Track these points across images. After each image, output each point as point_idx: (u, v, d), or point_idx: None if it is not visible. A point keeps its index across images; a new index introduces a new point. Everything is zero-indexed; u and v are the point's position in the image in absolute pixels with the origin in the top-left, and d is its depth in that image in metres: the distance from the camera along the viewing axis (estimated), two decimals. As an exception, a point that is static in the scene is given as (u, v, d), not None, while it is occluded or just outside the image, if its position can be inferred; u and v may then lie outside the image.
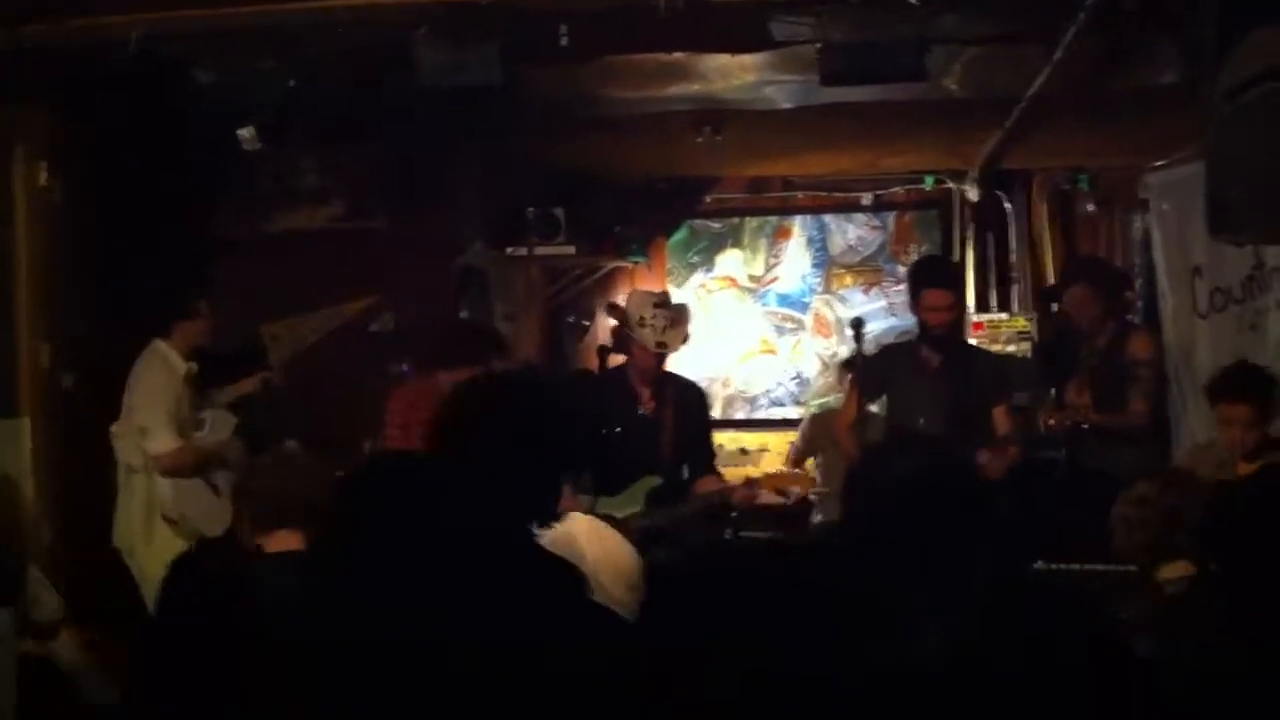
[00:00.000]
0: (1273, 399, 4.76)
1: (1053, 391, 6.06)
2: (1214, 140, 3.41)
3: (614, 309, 5.64)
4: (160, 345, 5.16)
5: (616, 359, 5.67)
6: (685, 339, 5.44)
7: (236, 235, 6.36)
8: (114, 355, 5.20)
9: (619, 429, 5.33)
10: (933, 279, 5.51)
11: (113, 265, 5.42)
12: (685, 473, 5.42)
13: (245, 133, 5.21)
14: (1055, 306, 7.93)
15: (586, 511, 5.17)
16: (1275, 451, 4.67)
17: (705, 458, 5.59)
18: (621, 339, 5.50)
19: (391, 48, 4.55)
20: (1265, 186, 3.26)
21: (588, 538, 2.80)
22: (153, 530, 4.94)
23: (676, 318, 5.37)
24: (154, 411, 4.95)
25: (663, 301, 5.44)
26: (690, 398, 5.61)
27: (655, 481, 5.29)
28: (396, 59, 4.53)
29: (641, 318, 5.29)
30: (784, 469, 6.63)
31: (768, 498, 6.00)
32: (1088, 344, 6.05)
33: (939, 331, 5.42)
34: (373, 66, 4.87)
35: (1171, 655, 2.61)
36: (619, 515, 5.24)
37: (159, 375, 5.10)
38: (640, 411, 5.41)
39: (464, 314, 6.97)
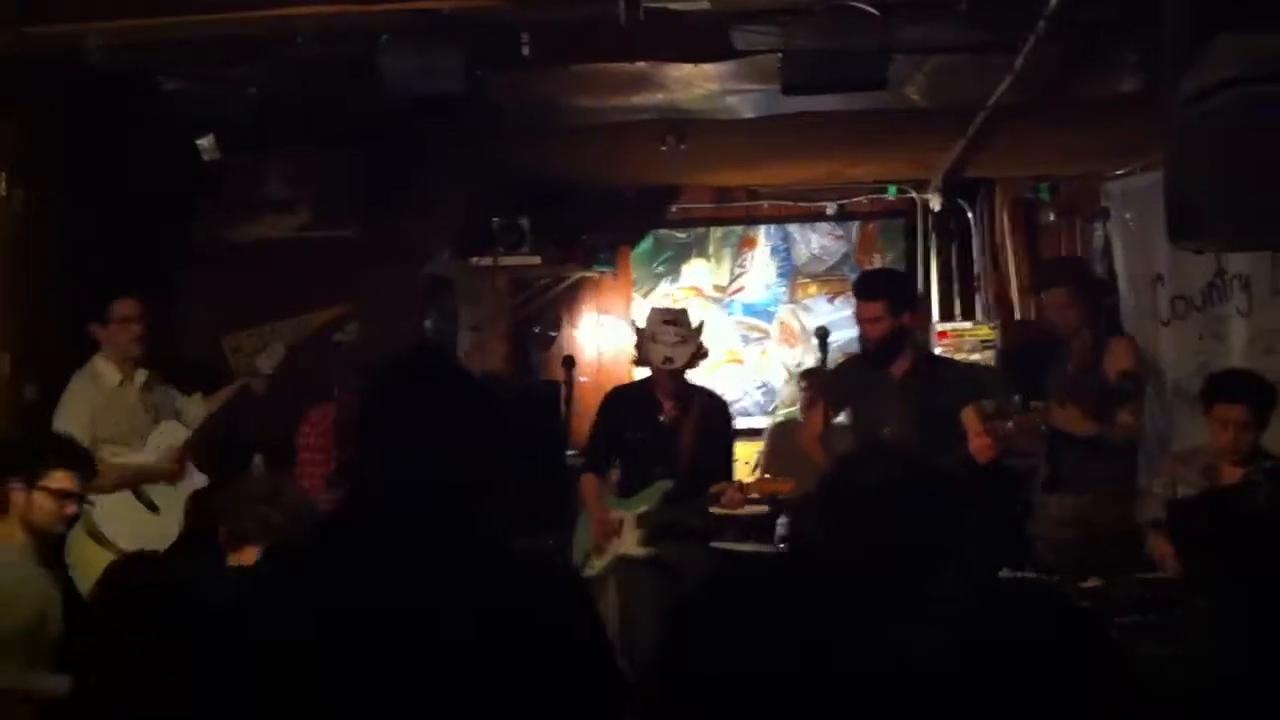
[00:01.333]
0: (1267, 404, 4.76)
1: (1017, 398, 6.08)
2: (1175, 147, 3.43)
3: (633, 324, 5.94)
4: (96, 359, 5.12)
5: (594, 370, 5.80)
6: (698, 354, 5.65)
7: (202, 245, 6.32)
8: (77, 366, 5.14)
9: (640, 435, 5.61)
10: (859, 291, 5.57)
11: (73, 275, 5.37)
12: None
13: (205, 142, 5.18)
14: (1035, 313, 8.00)
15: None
16: (1264, 459, 4.69)
17: (723, 466, 5.80)
18: (640, 353, 5.71)
19: (356, 56, 4.54)
20: (1226, 194, 3.27)
21: None
22: (84, 546, 4.89)
23: (687, 335, 5.59)
24: (67, 428, 4.91)
25: (674, 319, 5.64)
26: (712, 410, 5.81)
27: (668, 485, 5.53)
28: (361, 68, 4.52)
29: (653, 334, 5.55)
30: (770, 475, 6.64)
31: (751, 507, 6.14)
32: (1073, 356, 6.02)
33: (868, 344, 5.46)
34: (338, 75, 4.85)
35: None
36: (632, 511, 5.52)
37: (80, 390, 5.04)
38: (661, 419, 5.63)
39: (429, 325, 6.96)
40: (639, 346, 5.69)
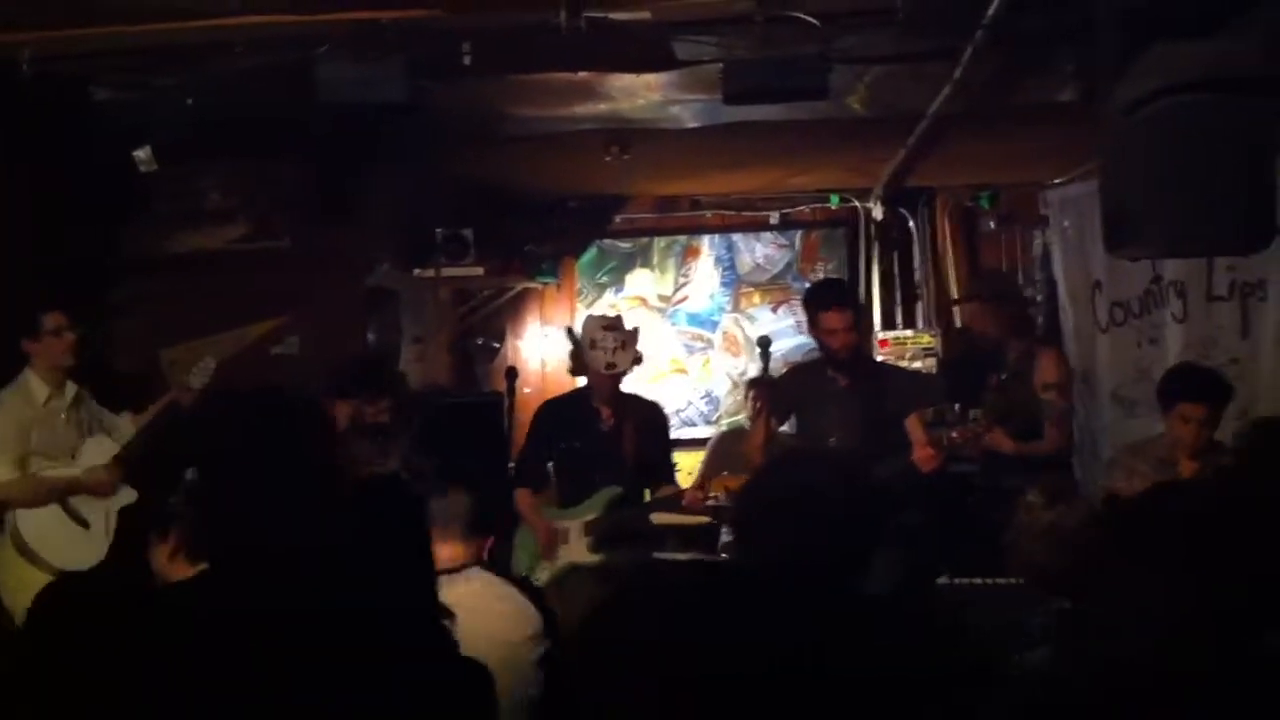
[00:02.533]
0: (1226, 401, 4.87)
1: (957, 407, 6.12)
2: (1110, 156, 3.47)
3: (570, 333, 5.90)
4: (27, 372, 5.05)
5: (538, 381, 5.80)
6: (636, 360, 5.66)
7: (139, 257, 6.23)
8: (7, 381, 5.05)
9: (579, 445, 5.60)
10: (828, 301, 5.55)
11: (4, 288, 5.28)
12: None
13: (141, 154, 5.10)
14: (959, 323, 8.07)
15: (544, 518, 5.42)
16: (1219, 454, 4.78)
17: (665, 472, 5.84)
18: (578, 361, 5.69)
19: (295, 66, 4.50)
20: (1160, 201, 3.32)
21: (469, 605, 2.73)
22: (12, 562, 4.81)
23: (627, 340, 5.60)
24: None
25: (612, 325, 5.65)
26: (650, 415, 5.84)
27: (616, 491, 5.53)
28: (300, 78, 4.48)
29: (592, 340, 5.54)
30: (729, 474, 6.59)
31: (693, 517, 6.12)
32: (1003, 367, 6.08)
33: (841, 353, 5.46)
34: (276, 85, 4.81)
35: (1065, 669, 2.64)
36: (579, 520, 5.50)
37: (9, 405, 4.97)
38: (601, 428, 5.62)
39: (371, 337, 6.91)
40: (576, 355, 5.68)
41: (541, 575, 5.42)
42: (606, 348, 5.52)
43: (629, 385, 5.82)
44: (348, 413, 5.39)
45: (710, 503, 5.76)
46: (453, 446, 5.85)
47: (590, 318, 5.92)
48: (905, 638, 2.45)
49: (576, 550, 5.47)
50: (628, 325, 5.74)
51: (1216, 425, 4.83)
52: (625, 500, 5.53)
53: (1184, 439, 4.80)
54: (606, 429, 5.63)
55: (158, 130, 5.01)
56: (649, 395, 6.18)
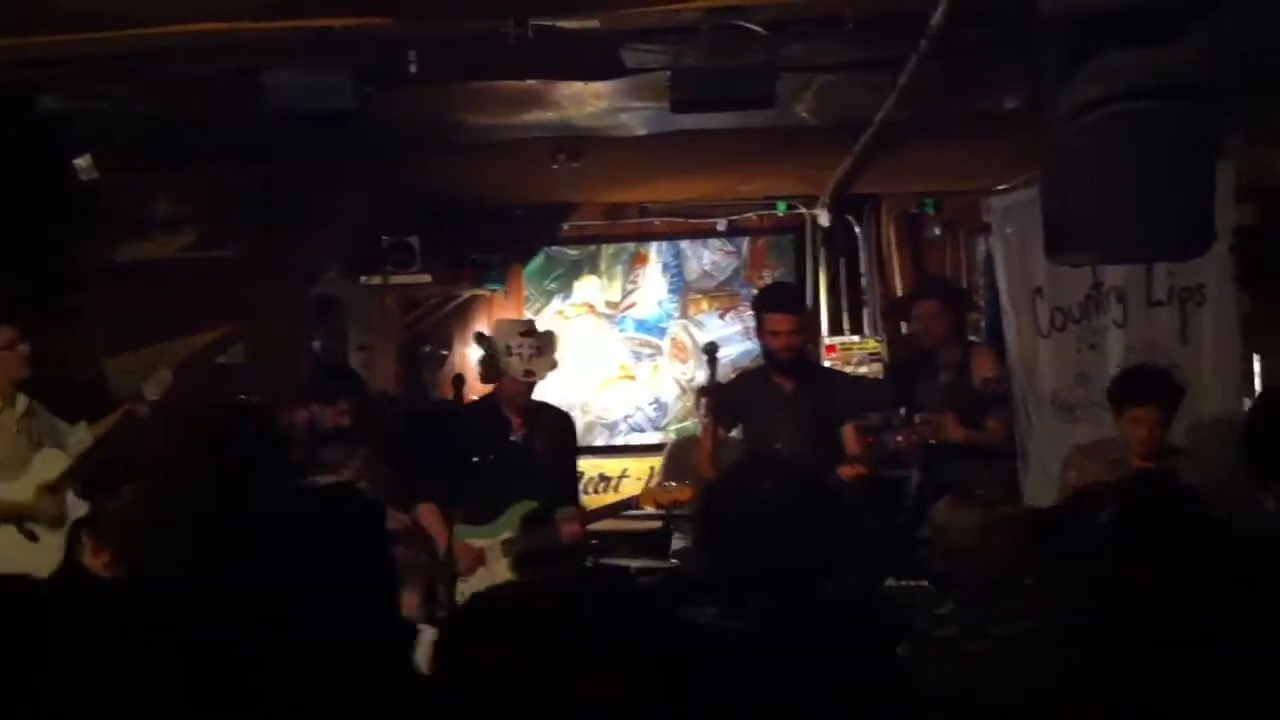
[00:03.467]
0: (1177, 402, 4.93)
1: (903, 411, 6.18)
2: (1051, 164, 3.53)
3: (481, 338, 5.70)
4: None
5: (484, 388, 5.71)
6: (553, 366, 5.53)
7: (87, 267, 6.16)
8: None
9: (492, 456, 5.42)
10: (774, 304, 5.61)
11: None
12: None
13: (82, 162, 5.03)
14: (905, 326, 8.14)
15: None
16: (1172, 455, 4.85)
17: (572, 485, 5.77)
18: (490, 368, 5.53)
19: (244, 74, 4.47)
20: (1100, 207, 3.38)
21: None
22: None
23: (543, 345, 5.47)
24: None
25: (529, 330, 5.51)
26: (560, 425, 5.71)
27: (530, 506, 5.36)
28: (249, 85, 4.45)
29: (508, 346, 5.38)
30: (663, 483, 6.54)
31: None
32: (943, 364, 6.17)
33: (784, 355, 5.50)
34: (225, 93, 4.78)
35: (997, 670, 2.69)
36: (495, 539, 5.32)
37: None
38: (512, 438, 5.48)
39: (318, 345, 6.87)
40: (489, 361, 5.51)
41: (460, 598, 5.26)
42: (523, 354, 5.37)
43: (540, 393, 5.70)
44: (307, 418, 5.35)
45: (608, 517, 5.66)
46: (410, 456, 5.79)
47: (504, 322, 5.75)
48: (855, 639, 2.49)
49: (497, 571, 5.29)
50: (543, 330, 5.65)
51: (1168, 426, 4.90)
52: (540, 514, 5.35)
53: (1136, 441, 4.87)
54: (517, 439, 5.48)
55: (106, 139, 4.95)
56: (555, 404, 6.02)
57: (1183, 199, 3.38)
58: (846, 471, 5.33)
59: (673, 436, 8.31)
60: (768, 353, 5.59)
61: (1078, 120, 3.27)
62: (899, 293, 8.26)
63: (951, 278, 8.01)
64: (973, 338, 6.91)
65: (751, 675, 2.12)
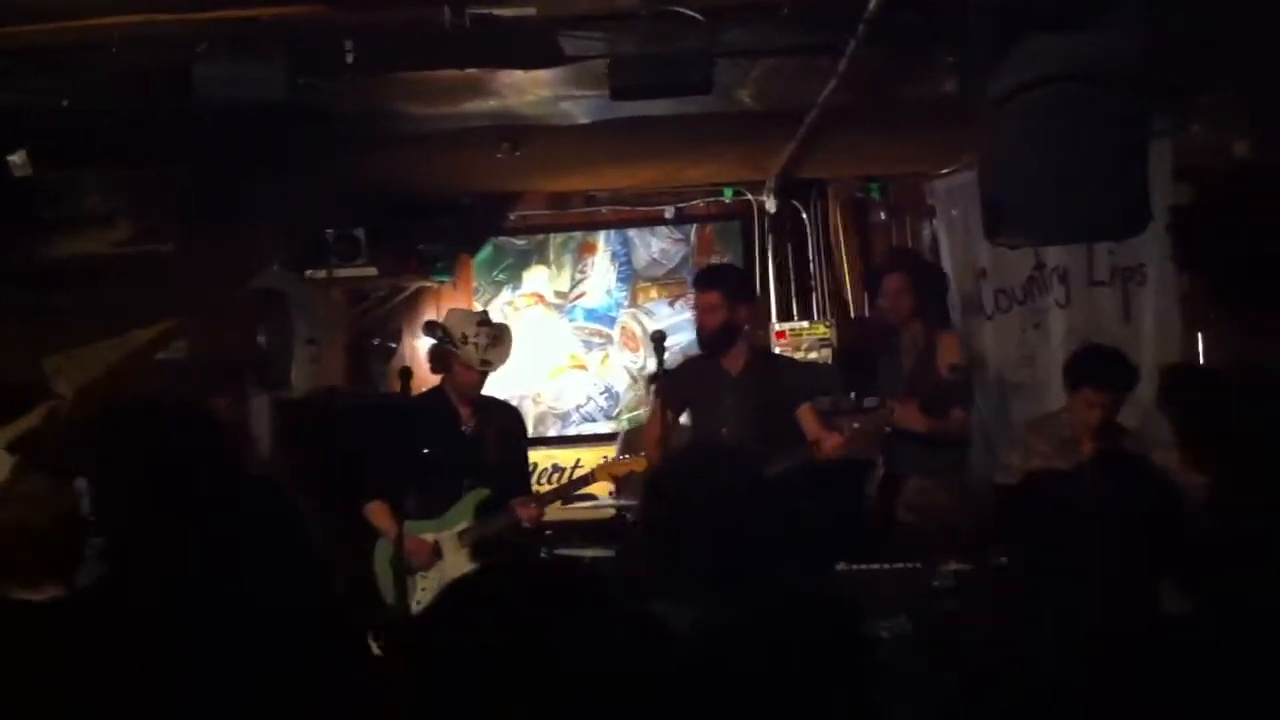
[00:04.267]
0: (1131, 384, 4.91)
1: (853, 395, 6.21)
2: (987, 146, 3.55)
3: (433, 327, 5.62)
4: None
5: (431, 380, 5.67)
6: (507, 358, 5.53)
7: (16, 263, 6.06)
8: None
9: (442, 448, 5.38)
10: (699, 282, 5.69)
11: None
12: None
13: (16, 158, 4.96)
14: (852, 312, 8.17)
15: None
16: (1120, 435, 4.87)
17: (524, 477, 5.75)
18: (441, 358, 5.49)
19: (173, 66, 4.41)
20: (1035, 190, 3.40)
21: None
22: None
23: (498, 336, 5.46)
24: None
25: (484, 320, 5.51)
26: (509, 416, 5.71)
27: (484, 493, 5.35)
28: (180, 78, 4.40)
29: (464, 335, 5.36)
30: (618, 456, 6.50)
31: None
32: (905, 348, 6.14)
33: (705, 333, 5.56)
34: (156, 86, 4.71)
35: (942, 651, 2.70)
36: (450, 530, 5.31)
37: None
38: (463, 429, 5.44)
39: (262, 339, 6.79)
40: (440, 351, 5.48)
41: (419, 593, 5.24)
42: (479, 344, 5.34)
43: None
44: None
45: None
46: (358, 451, 5.73)
47: (458, 311, 5.72)
48: (803, 626, 2.49)
49: (455, 563, 5.26)
50: (497, 321, 5.63)
51: (1119, 408, 4.92)
52: (493, 502, 5.33)
53: (1088, 422, 4.88)
54: (468, 431, 5.44)
55: (34, 134, 4.88)
56: (506, 396, 6.04)
57: (1115, 180, 3.41)
58: (826, 445, 5.30)
59: (625, 426, 8.30)
60: (696, 332, 5.65)
61: (1008, 104, 3.29)
62: (847, 277, 8.28)
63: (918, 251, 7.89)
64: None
65: (695, 667, 2.12)
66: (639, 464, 5.53)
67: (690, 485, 2.47)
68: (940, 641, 3.13)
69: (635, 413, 8.45)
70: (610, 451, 7.67)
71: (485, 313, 5.70)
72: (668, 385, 5.66)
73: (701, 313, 5.55)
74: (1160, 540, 2.39)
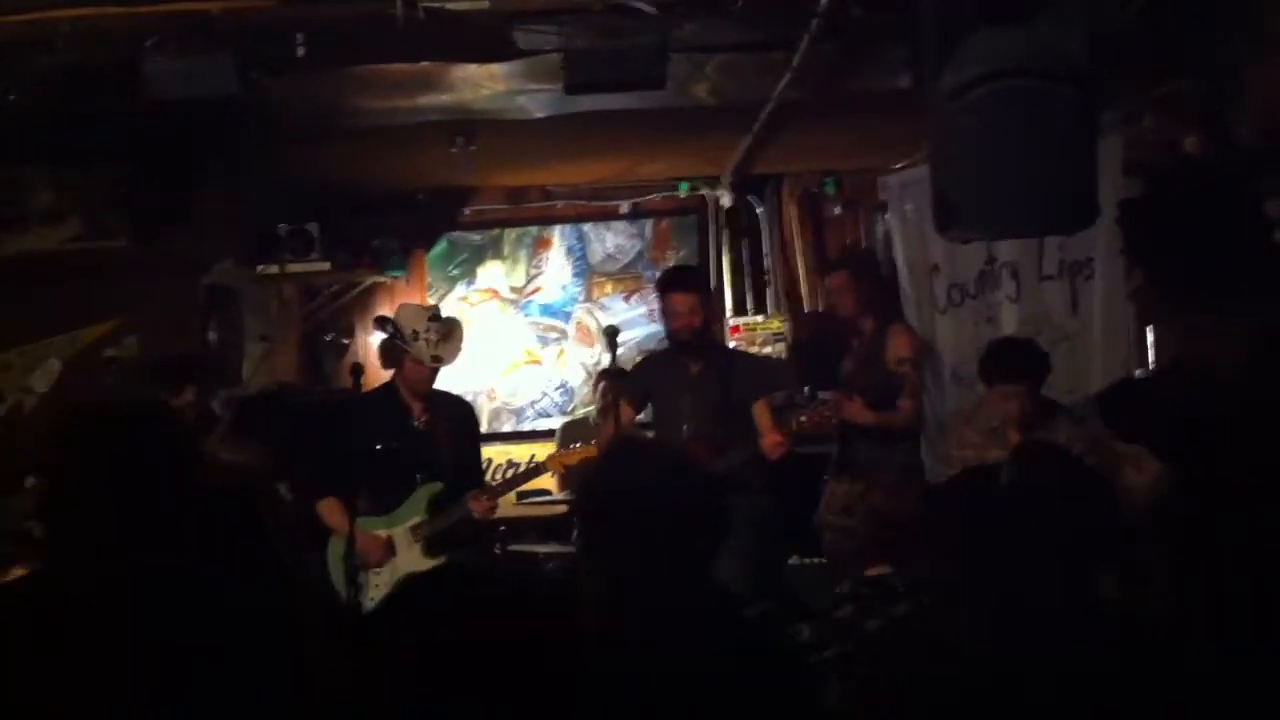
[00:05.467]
0: (1045, 372, 5.01)
1: (807, 390, 6.23)
2: (937, 141, 3.57)
3: (384, 322, 5.58)
4: None
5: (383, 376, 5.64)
6: (458, 353, 5.49)
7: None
8: None
9: (395, 444, 5.32)
10: (674, 284, 5.68)
11: None
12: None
13: None
14: (807, 307, 8.20)
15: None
16: (1048, 420, 4.92)
17: (477, 472, 5.67)
18: (392, 352, 5.46)
19: (121, 61, 4.37)
20: (985, 184, 3.43)
21: None
22: None
23: (449, 331, 5.42)
24: None
25: (435, 315, 5.46)
26: (461, 411, 5.66)
27: (437, 487, 5.31)
28: (128, 72, 4.35)
29: (415, 331, 5.31)
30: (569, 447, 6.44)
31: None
32: (855, 345, 6.18)
33: (683, 335, 5.57)
34: (104, 81, 4.66)
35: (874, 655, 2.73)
36: (403, 525, 5.26)
37: None
38: (414, 425, 5.42)
39: (213, 336, 6.74)
40: (390, 346, 5.43)
41: (372, 589, 5.21)
42: (430, 339, 5.31)
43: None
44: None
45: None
46: (309, 448, 5.69)
47: (409, 306, 5.65)
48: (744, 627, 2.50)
49: (409, 559, 5.24)
50: (448, 315, 5.61)
51: (1038, 394, 4.99)
52: (446, 496, 5.30)
53: (1009, 414, 4.96)
54: (420, 426, 5.42)
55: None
56: (460, 391, 5.98)
57: (1063, 173, 3.44)
58: (770, 443, 5.34)
59: (570, 420, 8.28)
60: (669, 333, 5.66)
61: (957, 99, 3.31)
62: (801, 272, 8.32)
63: (867, 251, 7.97)
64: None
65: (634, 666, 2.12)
66: (590, 452, 5.50)
67: (625, 478, 2.46)
68: (871, 640, 3.16)
69: (590, 408, 8.43)
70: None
71: (436, 308, 5.66)
72: (629, 381, 5.69)
73: (682, 314, 5.53)
74: (1084, 531, 2.41)
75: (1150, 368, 5.79)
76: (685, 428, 5.54)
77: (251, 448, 5.04)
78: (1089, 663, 2.20)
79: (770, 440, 5.35)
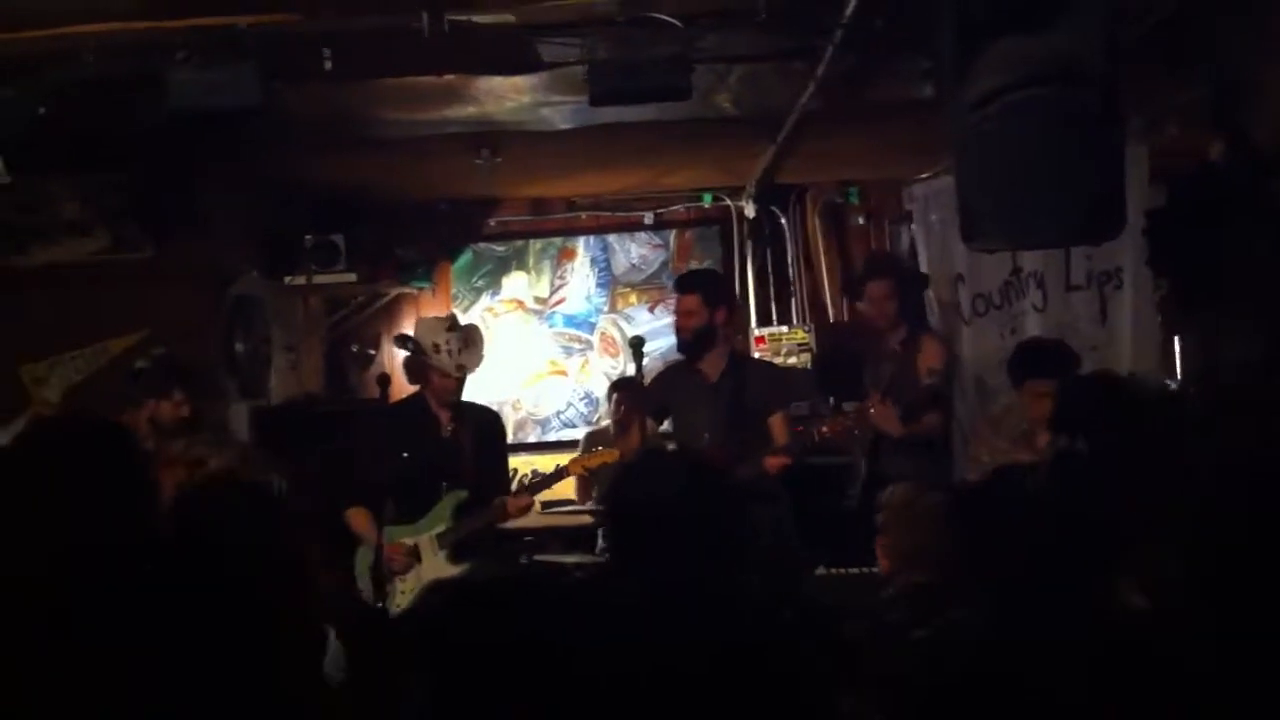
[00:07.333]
0: (1075, 371, 4.96)
1: (831, 400, 6.21)
2: (961, 152, 3.56)
3: (405, 340, 5.61)
4: None
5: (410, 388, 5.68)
6: (481, 359, 5.49)
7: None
8: None
9: (422, 455, 5.36)
10: (677, 286, 5.80)
11: None
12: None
13: None
14: (831, 317, 8.18)
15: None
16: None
17: (503, 481, 5.67)
18: (417, 368, 5.50)
19: (149, 74, 4.40)
20: (1010, 195, 3.42)
21: None
22: None
23: (469, 339, 5.43)
24: None
25: (453, 325, 5.47)
26: (488, 422, 5.69)
27: (462, 495, 5.32)
28: (152, 84, 4.38)
29: (435, 344, 5.34)
30: (591, 449, 6.43)
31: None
32: (885, 354, 6.14)
33: (682, 335, 5.60)
34: (131, 93, 4.70)
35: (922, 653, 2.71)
36: (428, 534, 5.29)
37: None
38: (442, 435, 5.45)
39: (240, 347, 6.77)
40: (415, 362, 5.47)
41: (398, 596, 5.23)
42: (452, 350, 5.32)
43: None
44: (146, 416, 5.27)
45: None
46: (337, 457, 5.72)
47: (426, 320, 5.67)
48: (771, 633, 2.49)
49: (434, 566, 5.24)
50: (465, 323, 5.61)
51: None
52: (470, 504, 5.32)
53: (1038, 414, 4.91)
54: (447, 436, 5.44)
55: (8, 141, 4.85)
56: (484, 401, 6.03)
57: (1089, 183, 3.42)
58: (771, 462, 5.36)
59: (594, 429, 8.28)
60: (676, 335, 5.71)
61: (979, 109, 3.30)
62: (825, 282, 8.30)
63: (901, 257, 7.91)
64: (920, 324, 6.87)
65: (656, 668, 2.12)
66: (610, 455, 5.52)
67: (646, 486, 2.47)
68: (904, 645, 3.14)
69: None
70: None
71: (453, 316, 5.66)
72: (647, 392, 5.69)
73: (680, 316, 5.59)
74: (1111, 535, 2.40)
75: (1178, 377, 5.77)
76: (705, 436, 5.53)
77: (275, 466, 5.06)
78: (1104, 670, 2.19)
79: (773, 462, 5.36)
